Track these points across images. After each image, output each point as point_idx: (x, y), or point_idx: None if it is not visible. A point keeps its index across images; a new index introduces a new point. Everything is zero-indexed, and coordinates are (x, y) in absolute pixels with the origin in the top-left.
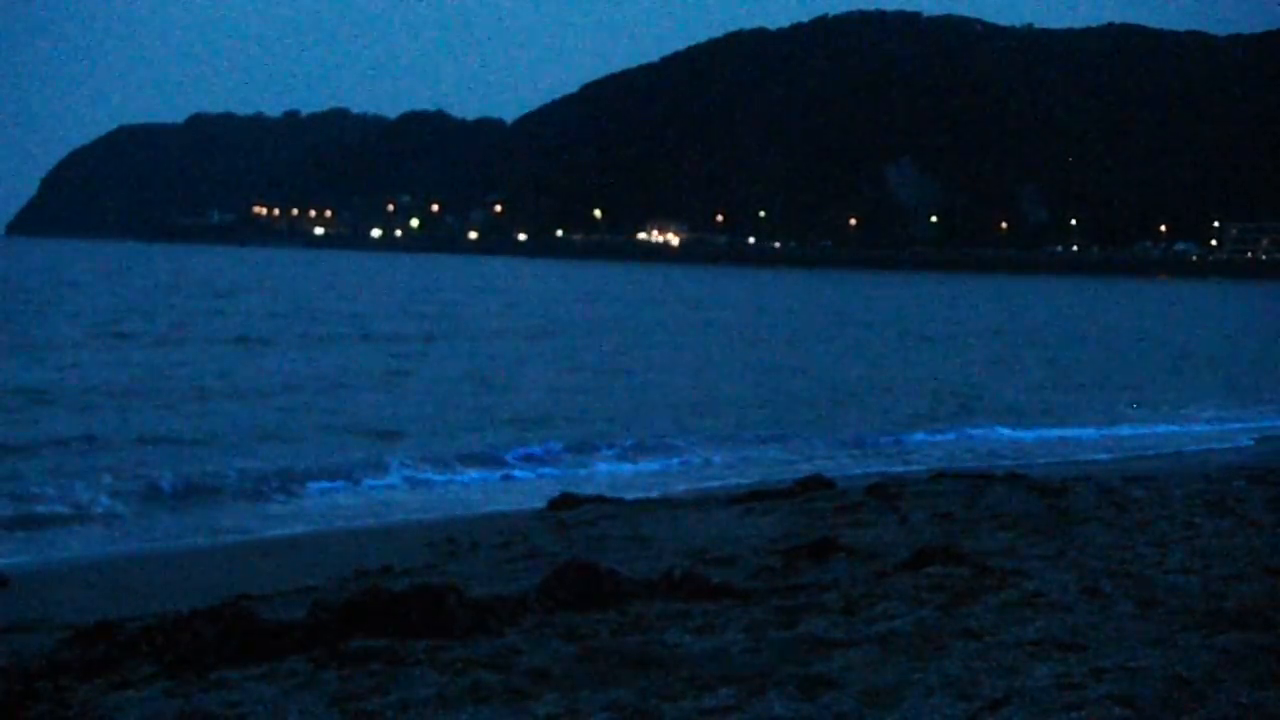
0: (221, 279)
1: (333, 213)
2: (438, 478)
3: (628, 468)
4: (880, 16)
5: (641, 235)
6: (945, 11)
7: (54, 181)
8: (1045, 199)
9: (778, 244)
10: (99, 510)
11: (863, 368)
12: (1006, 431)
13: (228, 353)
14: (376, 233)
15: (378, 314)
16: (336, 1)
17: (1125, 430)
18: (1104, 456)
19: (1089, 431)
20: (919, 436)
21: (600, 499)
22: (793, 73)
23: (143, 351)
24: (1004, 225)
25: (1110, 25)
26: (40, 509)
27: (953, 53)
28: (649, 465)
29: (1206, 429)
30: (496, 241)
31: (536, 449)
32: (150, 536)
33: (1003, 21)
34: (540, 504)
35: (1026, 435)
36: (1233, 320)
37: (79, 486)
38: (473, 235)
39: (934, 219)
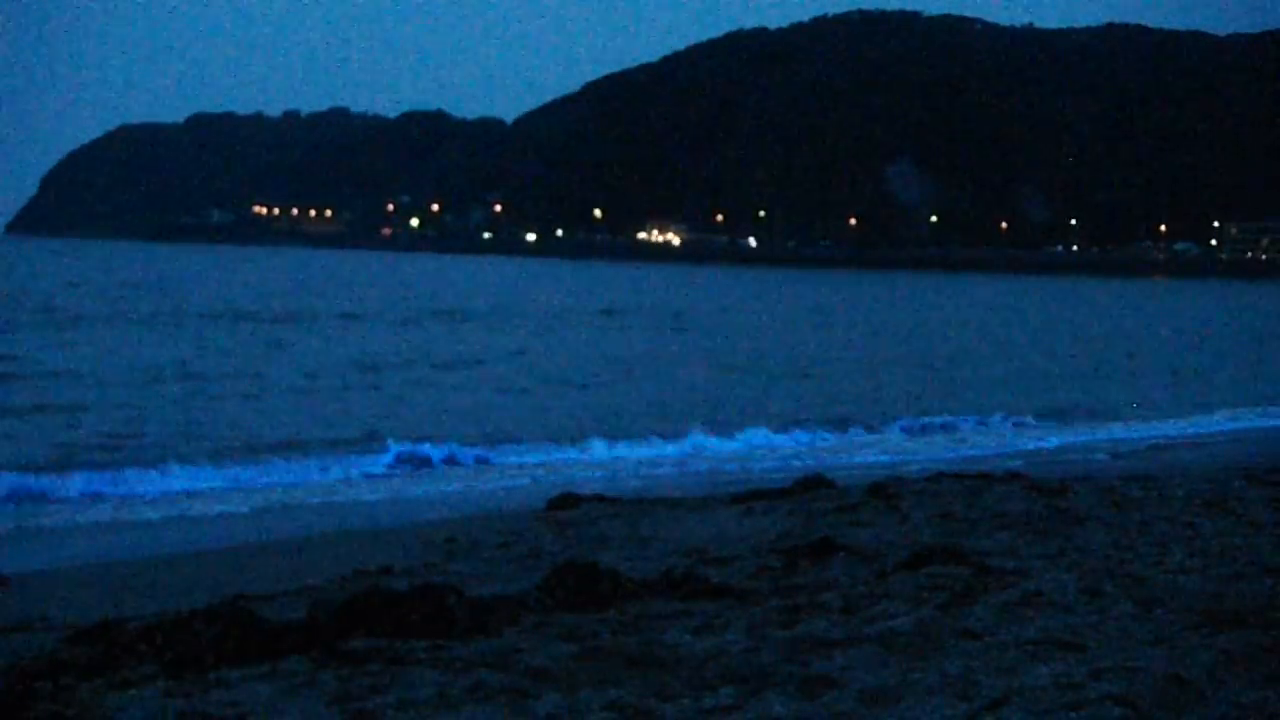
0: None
1: (333, 213)
2: None
3: None
4: (880, 16)
5: (641, 235)
6: (945, 11)
7: (54, 181)
8: (1045, 199)
9: (778, 244)
10: None
11: None
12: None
13: None
14: (487, 236)
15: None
16: (336, 1)
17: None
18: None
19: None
20: None
21: (600, 499)
22: (793, 73)
23: None
24: (1004, 225)
25: (1110, 25)
26: None
27: (953, 53)
28: None
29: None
30: (497, 241)
31: None
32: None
33: (1003, 21)
34: (540, 504)
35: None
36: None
37: None
38: (485, 235)
39: (934, 219)
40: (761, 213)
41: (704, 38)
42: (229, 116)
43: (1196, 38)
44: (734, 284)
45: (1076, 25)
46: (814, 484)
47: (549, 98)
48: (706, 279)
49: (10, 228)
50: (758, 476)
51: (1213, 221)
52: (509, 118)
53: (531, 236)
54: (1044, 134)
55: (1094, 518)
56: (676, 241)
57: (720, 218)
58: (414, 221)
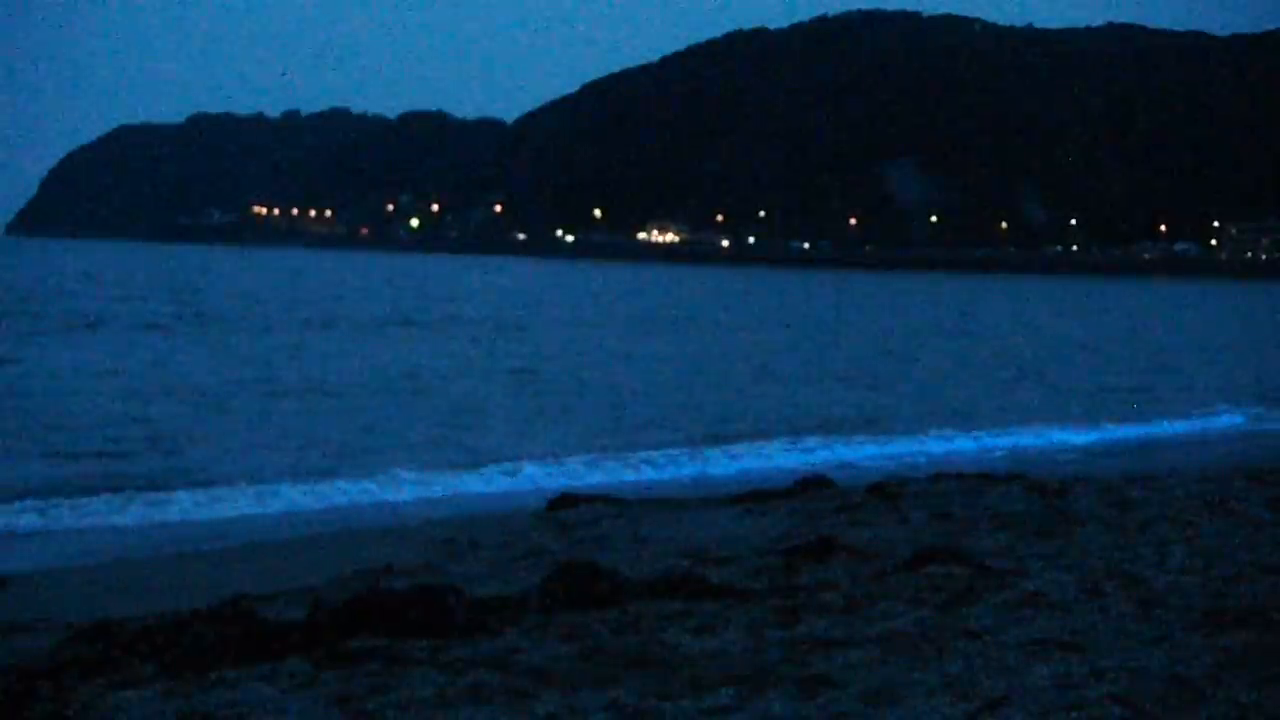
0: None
1: (333, 213)
2: None
3: None
4: (880, 16)
5: (641, 235)
6: (945, 11)
7: (54, 181)
8: (1045, 199)
9: (777, 244)
10: None
11: None
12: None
13: None
14: (522, 237)
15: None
16: (336, 1)
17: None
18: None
19: None
20: None
21: (600, 499)
22: (793, 73)
23: None
24: (1004, 225)
25: (1110, 25)
26: None
27: (953, 53)
28: None
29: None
30: (498, 241)
31: None
32: None
33: (1003, 21)
34: (540, 504)
35: None
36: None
37: None
38: (521, 236)
39: (934, 219)
40: (761, 213)
41: (704, 38)
42: (229, 116)
43: (1196, 38)
44: (762, 286)
45: (1076, 25)
46: (814, 484)
47: (549, 98)
48: (726, 280)
49: (10, 228)
50: (757, 477)
51: (1213, 221)
52: (509, 118)
53: (569, 237)
54: (1044, 134)
55: (1094, 518)
56: (678, 241)
57: (720, 218)
58: (414, 222)
